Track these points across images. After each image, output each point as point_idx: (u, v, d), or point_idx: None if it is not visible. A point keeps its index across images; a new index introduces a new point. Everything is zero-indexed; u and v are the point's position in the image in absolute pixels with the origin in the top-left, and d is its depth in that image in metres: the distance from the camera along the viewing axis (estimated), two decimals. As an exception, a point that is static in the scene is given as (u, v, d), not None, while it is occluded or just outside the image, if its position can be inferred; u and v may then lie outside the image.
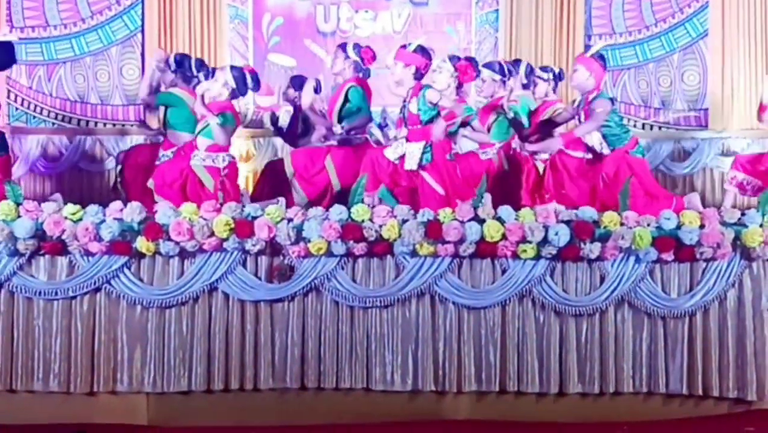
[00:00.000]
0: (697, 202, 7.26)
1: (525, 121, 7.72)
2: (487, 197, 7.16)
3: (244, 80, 7.13)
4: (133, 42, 9.73)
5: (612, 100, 7.48)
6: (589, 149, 7.44)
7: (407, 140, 7.08)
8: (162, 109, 7.72)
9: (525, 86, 8.00)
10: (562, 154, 7.51)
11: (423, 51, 7.12)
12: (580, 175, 7.44)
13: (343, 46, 7.83)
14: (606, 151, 7.26)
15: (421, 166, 7.02)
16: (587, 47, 9.86)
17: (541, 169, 7.85)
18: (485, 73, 7.79)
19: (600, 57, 7.38)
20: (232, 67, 7.23)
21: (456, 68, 7.14)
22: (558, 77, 8.28)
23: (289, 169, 7.40)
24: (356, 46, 7.80)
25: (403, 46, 7.20)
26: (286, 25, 9.94)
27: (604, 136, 7.26)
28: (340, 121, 7.57)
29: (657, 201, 7.03)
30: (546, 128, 7.80)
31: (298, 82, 8.27)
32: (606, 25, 9.97)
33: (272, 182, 7.49)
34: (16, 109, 9.55)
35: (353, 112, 7.60)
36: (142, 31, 9.69)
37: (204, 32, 9.68)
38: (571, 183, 7.45)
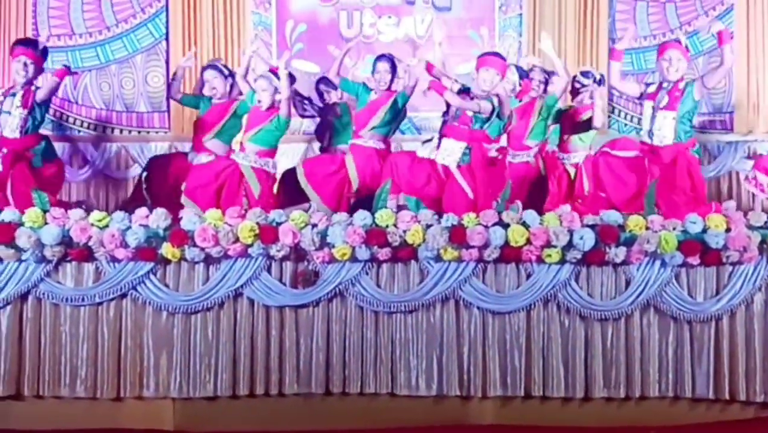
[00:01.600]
0: (733, 210, 7.12)
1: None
2: (518, 205, 7.15)
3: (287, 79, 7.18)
4: (158, 50, 9.75)
5: None
6: (642, 144, 7.30)
7: (446, 136, 7.00)
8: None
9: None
10: (607, 156, 7.45)
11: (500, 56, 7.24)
12: (625, 175, 7.34)
13: (391, 60, 7.58)
14: (669, 142, 7.04)
15: (457, 165, 6.97)
16: (611, 51, 9.83)
17: (572, 174, 7.77)
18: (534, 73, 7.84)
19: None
20: (272, 73, 7.26)
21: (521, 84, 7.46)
22: (598, 82, 8.20)
23: (302, 179, 7.35)
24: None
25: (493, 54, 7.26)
26: (309, 31, 9.92)
27: (680, 123, 7.10)
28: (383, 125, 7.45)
29: (698, 205, 6.94)
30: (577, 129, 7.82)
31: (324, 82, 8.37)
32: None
33: (290, 190, 7.45)
34: (42, 117, 9.62)
35: (393, 119, 7.54)
36: (167, 39, 9.69)
37: (228, 39, 9.68)
38: (617, 182, 7.35)
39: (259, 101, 7.14)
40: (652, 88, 7.26)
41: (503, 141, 7.34)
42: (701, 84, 7.07)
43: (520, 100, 7.68)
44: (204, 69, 8.06)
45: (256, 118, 7.15)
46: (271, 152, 7.18)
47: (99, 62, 9.74)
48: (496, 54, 7.30)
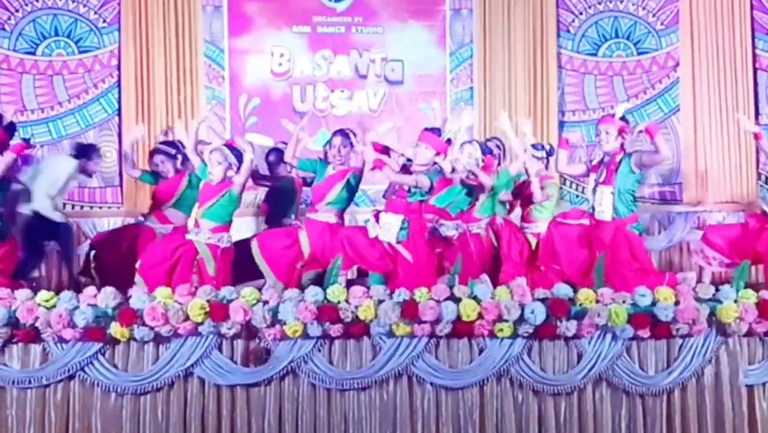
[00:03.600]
0: (692, 281, 7.18)
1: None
2: (485, 278, 7.18)
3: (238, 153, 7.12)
4: (111, 125, 9.75)
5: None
6: (590, 215, 7.40)
7: (384, 210, 7.09)
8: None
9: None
10: (560, 225, 7.49)
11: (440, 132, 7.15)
12: (577, 245, 7.41)
13: (346, 135, 7.56)
14: (607, 217, 7.21)
15: (398, 240, 7.02)
16: (561, 123, 10.01)
17: (533, 243, 7.92)
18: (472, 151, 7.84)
19: (622, 118, 7.32)
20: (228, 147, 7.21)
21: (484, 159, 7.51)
22: (549, 153, 8.34)
23: (256, 254, 7.34)
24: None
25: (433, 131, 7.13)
26: (262, 105, 10.02)
27: (619, 197, 7.20)
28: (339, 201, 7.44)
29: (648, 277, 7.02)
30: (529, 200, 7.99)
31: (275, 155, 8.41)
32: (579, 101, 10.10)
33: (242, 264, 7.43)
34: (-8, 193, 9.52)
35: (348, 196, 7.54)
36: (119, 115, 9.73)
37: (181, 114, 9.70)
38: (567, 254, 7.40)
39: (211, 174, 7.06)
40: (595, 161, 7.43)
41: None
42: (639, 159, 7.17)
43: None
44: (151, 154, 8.15)
45: (207, 193, 7.09)
46: (225, 227, 7.13)
47: (51, 138, 9.73)
48: (437, 131, 7.19)
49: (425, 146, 7.06)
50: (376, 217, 7.15)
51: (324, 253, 7.24)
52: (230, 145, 7.23)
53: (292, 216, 8.25)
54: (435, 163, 7.00)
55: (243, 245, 7.54)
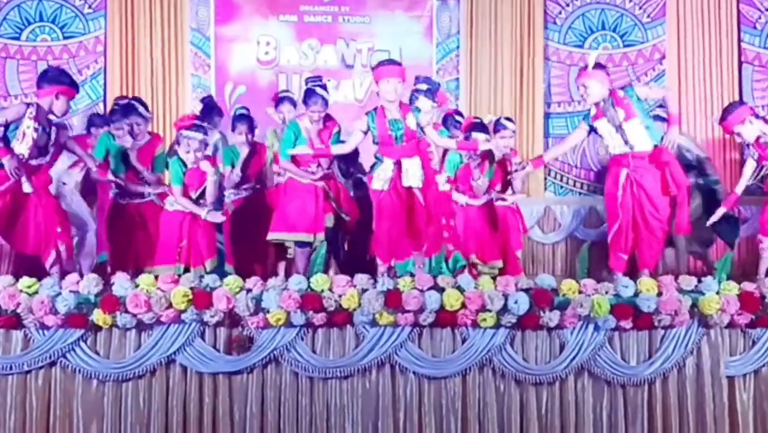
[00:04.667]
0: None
1: None
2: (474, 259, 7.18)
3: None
4: (96, 111, 9.69)
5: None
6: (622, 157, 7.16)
7: (402, 156, 6.64)
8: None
9: None
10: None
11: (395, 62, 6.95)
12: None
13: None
14: (648, 147, 7.02)
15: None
16: (546, 115, 10.01)
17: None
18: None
19: (599, 65, 7.22)
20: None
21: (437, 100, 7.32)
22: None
23: (280, 236, 7.31)
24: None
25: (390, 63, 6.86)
26: (248, 93, 9.98)
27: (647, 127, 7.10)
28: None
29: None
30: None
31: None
32: (565, 93, 10.09)
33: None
34: (-26, 179, 9.46)
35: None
36: (104, 101, 9.66)
37: (167, 102, 9.69)
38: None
39: (193, 161, 6.84)
40: (593, 111, 7.17)
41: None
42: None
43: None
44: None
45: (196, 180, 6.88)
46: None
47: (35, 124, 9.64)
48: (391, 61, 6.96)
49: (388, 80, 6.63)
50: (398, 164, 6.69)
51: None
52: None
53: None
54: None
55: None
